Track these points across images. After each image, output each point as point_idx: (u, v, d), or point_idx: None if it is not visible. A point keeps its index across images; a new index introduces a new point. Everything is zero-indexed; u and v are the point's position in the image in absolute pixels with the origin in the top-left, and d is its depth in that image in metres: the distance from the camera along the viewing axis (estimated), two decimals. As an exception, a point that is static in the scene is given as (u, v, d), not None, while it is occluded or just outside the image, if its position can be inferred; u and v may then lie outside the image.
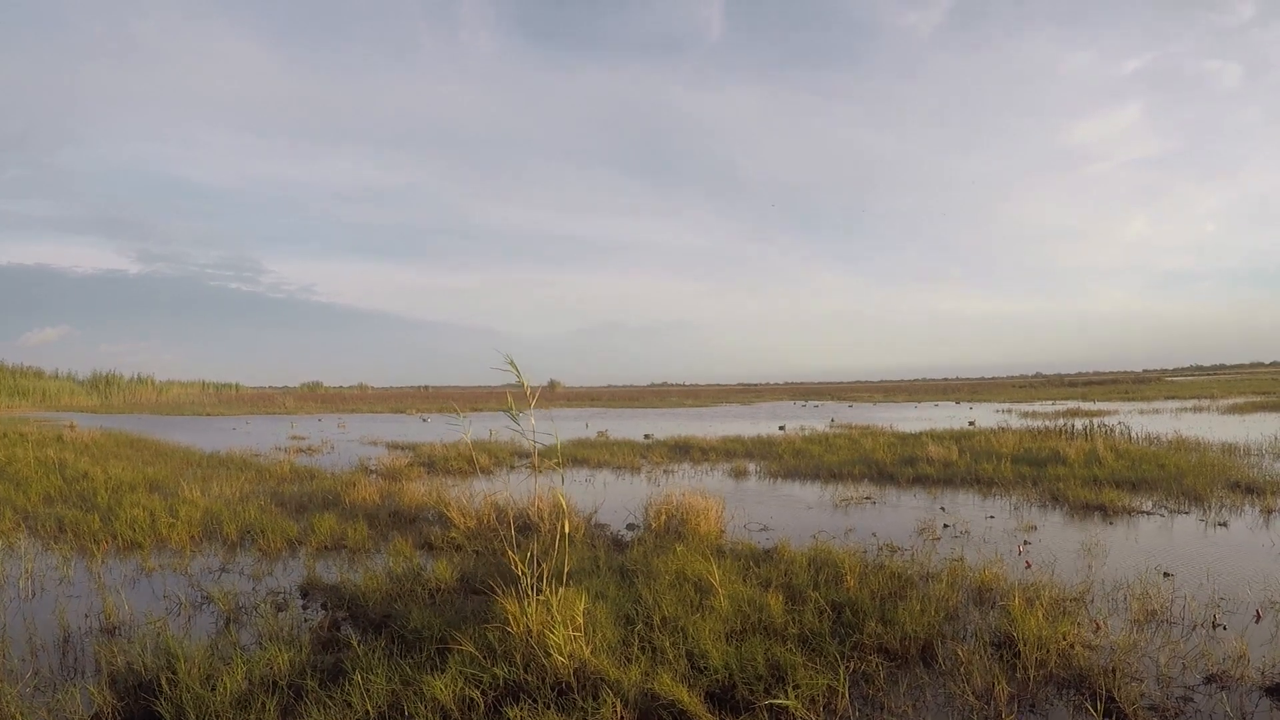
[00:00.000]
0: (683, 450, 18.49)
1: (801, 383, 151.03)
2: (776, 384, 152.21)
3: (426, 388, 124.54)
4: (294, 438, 25.79)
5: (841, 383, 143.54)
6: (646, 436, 23.45)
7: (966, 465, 13.57)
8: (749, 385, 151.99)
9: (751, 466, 15.20)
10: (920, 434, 20.30)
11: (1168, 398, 45.89)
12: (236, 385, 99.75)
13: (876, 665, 4.24)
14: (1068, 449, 14.39)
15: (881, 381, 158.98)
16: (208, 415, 46.73)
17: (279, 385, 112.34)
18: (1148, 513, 9.50)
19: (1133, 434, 18.05)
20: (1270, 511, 9.40)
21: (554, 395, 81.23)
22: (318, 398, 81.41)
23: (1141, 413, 31.27)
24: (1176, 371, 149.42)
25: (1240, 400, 38.39)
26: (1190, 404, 37.55)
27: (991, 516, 9.50)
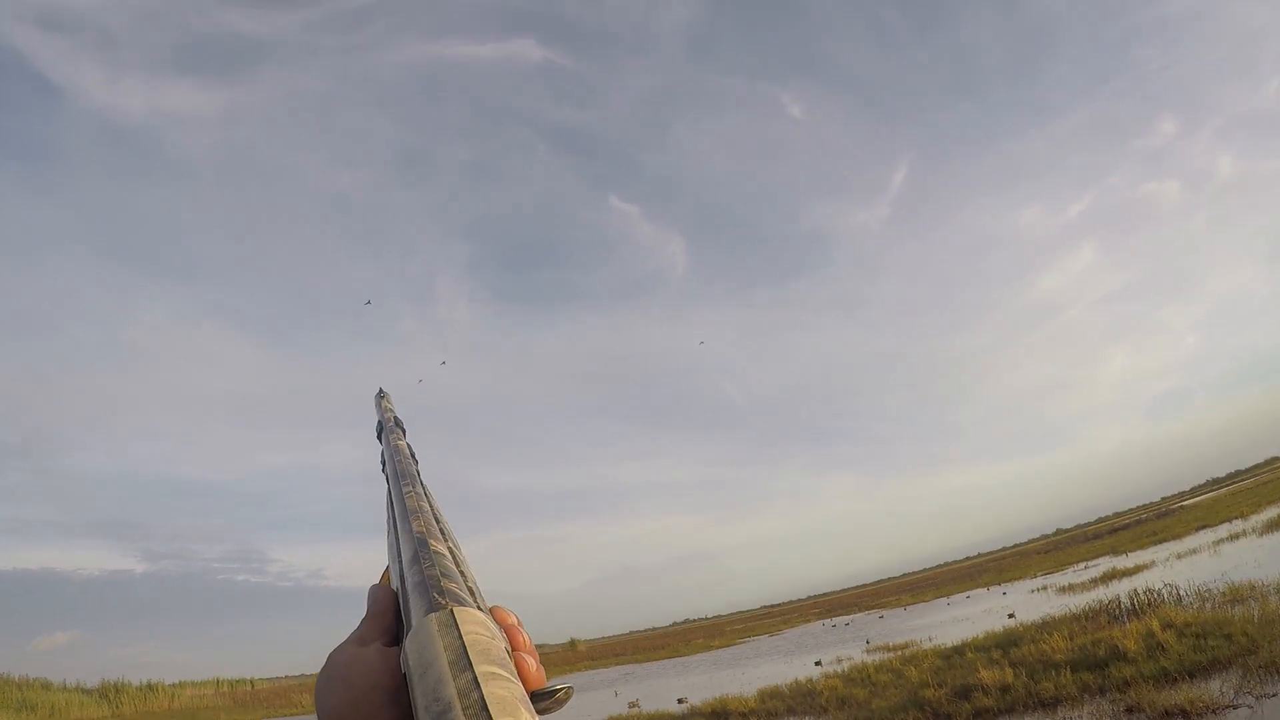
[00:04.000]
0: (722, 718, 17.29)
1: (825, 595, 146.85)
2: (800, 600, 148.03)
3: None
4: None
5: (865, 586, 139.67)
6: (681, 701, 22.04)
7: (1024, 686, 12.54)
8: (772, 607, 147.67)
9: (796, 727, 14.12)
10: (964, 647, 19.14)
11: (1199, 528, 44.11)
12: (251, 681, 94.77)
13: None
14: (1123, 640, 13.43)
15: (905, 576, 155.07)
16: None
17: (295, 674, 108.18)
18: (1233, 706, 8.68)
19: (1181, 596, 17.07)
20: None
21: (576, 656, 77.99)
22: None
23: (1179, 556, 29.93)
24: (1194, 491, 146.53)
25: (1274, 512, 36.93)
26: (1224, 531, 36.07)
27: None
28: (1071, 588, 30.00)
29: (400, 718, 0.61)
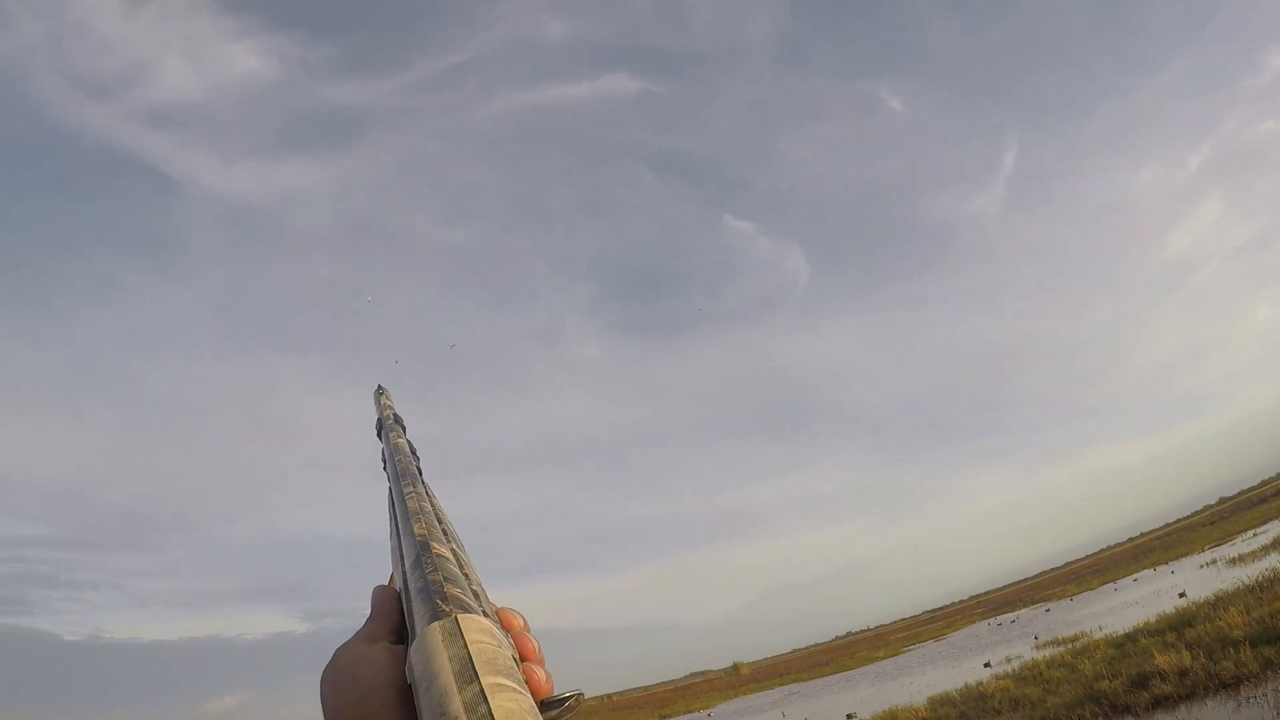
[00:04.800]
0: (893, 730, 17.23)
1: (987, 593, 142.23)
2: (962, 601, 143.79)
3: (609, 697, 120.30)
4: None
5: (1027, 580, 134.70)
6: (850, 717, 22.01)
7: (1203, 668, 12.21)
8: (934, 611, 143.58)
9: (972, 733, 14.02)
10: (1136, 632, 18.55)
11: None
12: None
13: None
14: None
15: (1067, 565, 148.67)
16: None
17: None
18: None
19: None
20: None
21: (739, 679, 77.62)
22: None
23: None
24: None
25: None
26: None
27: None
28: (1242, 558, 28.53)
29: (409, 716, 0.62)
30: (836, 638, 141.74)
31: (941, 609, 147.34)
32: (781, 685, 51.64)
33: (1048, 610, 45.39)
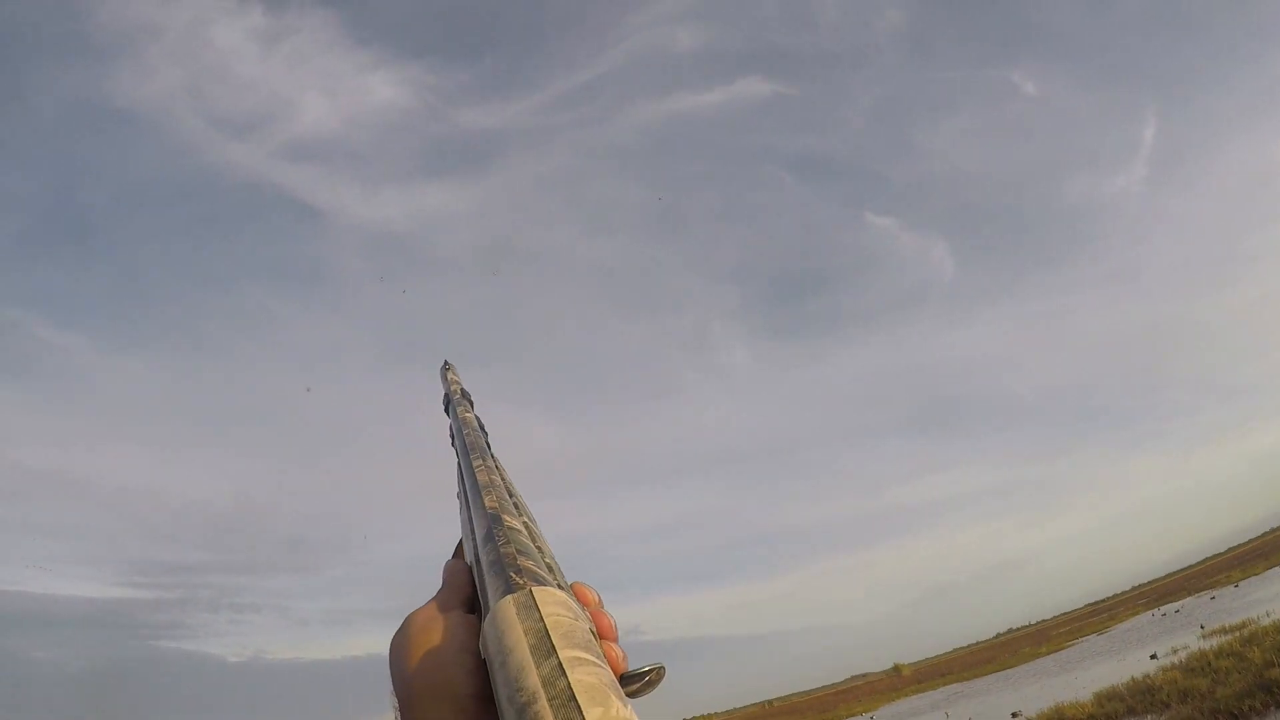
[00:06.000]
0: (1063, 726, 17.68)
1: (1149, 583, 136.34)
2: (1124, 592, 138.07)
3: (770, 703, 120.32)
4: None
5: (1190, 568, 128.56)
6: (1015, 716, 22.44)
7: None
8: (1096, 604, 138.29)
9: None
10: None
11: None
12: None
13: None
14: None
15: (1231, 550, 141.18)
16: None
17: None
18: None
19: None
20: None
21: (901, 680, 76.90)
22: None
23: None
24: None
25: None
26: None
27: None
28: None
29: (482, 685, 0.59)
30: (998, 635, 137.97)
31: (1103, 601, 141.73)
32: (944, 685, 51.32)
33: (1213, 598, 43.95)
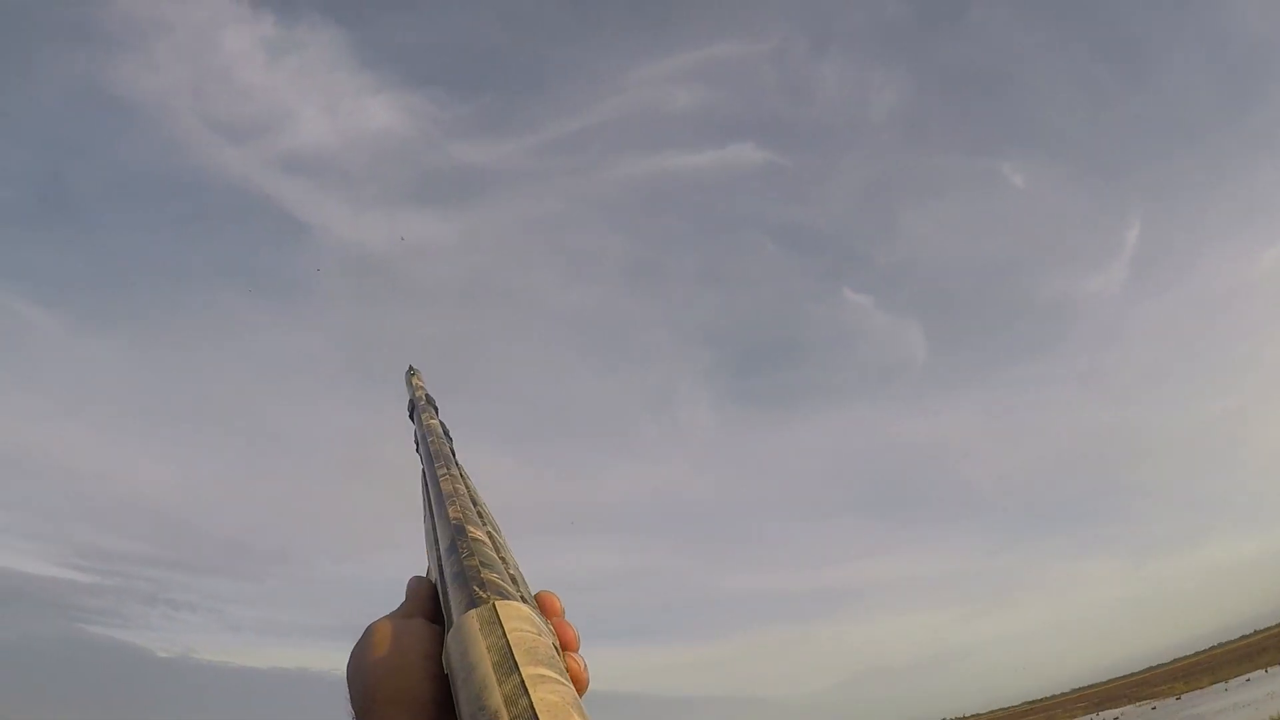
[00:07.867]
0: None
1: (1089, 686, 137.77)
2: (1064, 694, 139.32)
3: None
4: None
5: (1132, 675, 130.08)
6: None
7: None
8: (1033, 703, 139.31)
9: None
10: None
11: None
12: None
13: None
14: None
15: (1175, 661, 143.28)
16: None
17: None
18: None
19: None
20: None
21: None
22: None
23: None
24: None
25: None
26: None
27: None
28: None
29: (443, 694, 0.58)
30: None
31: (1042, 700, 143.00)
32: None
33: (1154, 708, 44.19)
